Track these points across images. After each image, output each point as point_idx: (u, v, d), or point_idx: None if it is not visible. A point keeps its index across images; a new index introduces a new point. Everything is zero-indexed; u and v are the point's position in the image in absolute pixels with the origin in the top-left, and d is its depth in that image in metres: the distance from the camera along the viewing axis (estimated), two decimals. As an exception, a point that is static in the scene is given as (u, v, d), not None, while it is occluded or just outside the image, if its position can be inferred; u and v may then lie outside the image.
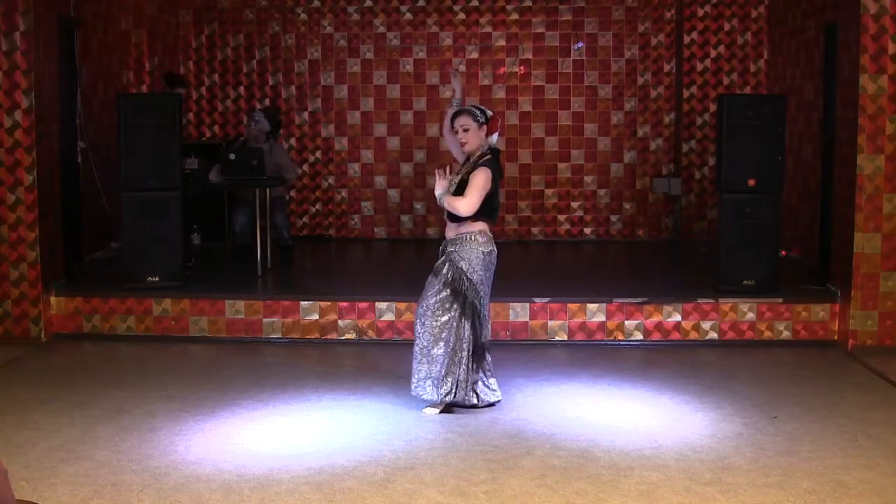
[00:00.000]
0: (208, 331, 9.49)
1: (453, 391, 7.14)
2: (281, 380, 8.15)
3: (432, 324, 7.11)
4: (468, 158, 7.24)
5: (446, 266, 7.15)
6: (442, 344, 7.10)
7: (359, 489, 5.80)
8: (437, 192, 7.10)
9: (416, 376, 7.21)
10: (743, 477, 6.01)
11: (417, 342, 7.21)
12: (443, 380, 7.12)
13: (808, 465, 6.23)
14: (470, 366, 7.19)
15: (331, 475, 5.99)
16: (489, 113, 7.24)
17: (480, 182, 7.01)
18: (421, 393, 7.20)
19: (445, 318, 7.10)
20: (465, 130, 7.15)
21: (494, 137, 7.25)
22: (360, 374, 8.39)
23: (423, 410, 7.22)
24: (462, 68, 7.69)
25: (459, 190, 7.07)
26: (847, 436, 6.79)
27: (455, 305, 7.11)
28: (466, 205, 7.00)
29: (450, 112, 7.49)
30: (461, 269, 7.08)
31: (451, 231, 7.22)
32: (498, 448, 6.51)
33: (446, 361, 7.10)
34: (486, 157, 7.12)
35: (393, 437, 6.71)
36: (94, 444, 6.57)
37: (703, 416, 7.19)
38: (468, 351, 7.16)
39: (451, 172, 7.33)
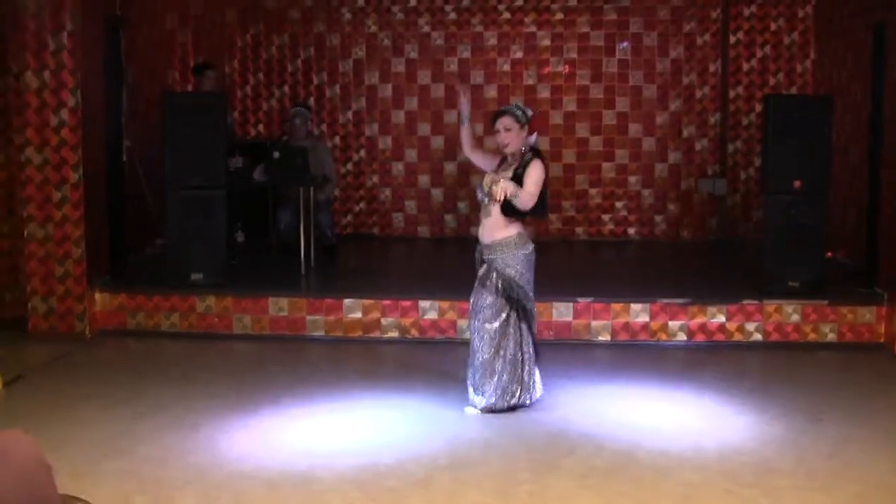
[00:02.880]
0: (251, 328, 9.53)
1: (519, 396, 7.11)
2: (323, 377, 8.18)
3: (491, 336, 7.02)
4: (504, 159, 7.17)
5: (494, 275, 7.02)
6: (502, 352, 7.02)
7: (400, 489, 5.79)
8: (510, 189, 6.72)
9: (481, 388, 7.06)
10: (786, 480, 5.95)
11: (478, 356, 7.06)
12: (507, 388, 7.06)
13: (853, 469, 6.15)
14: (531, 367, 7.17)
15: (373, 474, 5.99)
16: (529, 112, 7.12)
17: (537, 175, 6.87)
18: (486, 404, 7.06)
19: (497, 324, 7.00)
20: (508, 130, 7.00)
21: (534, 137, 7.14)
22: (403, 372, 8.39)
23: (465, 409, 7.17)
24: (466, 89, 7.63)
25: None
26: (894, 440, 6.71)
27: (507, 312, 7.03)
28: (528, 197, 6.81)
29: (464, 131, 7.42)
30: (510, 276, 6.98)
31: (486, 235, 7.06)
32: (540, 448, 6.49)
33: (510, 369, 7.04)
34: (530, 156, 6.99)
35: (435, 437, 6.70)
36: (137, 439, 6.61)
37: (745, 419, 7.13)
38: (530, 353, 7.14)
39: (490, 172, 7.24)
